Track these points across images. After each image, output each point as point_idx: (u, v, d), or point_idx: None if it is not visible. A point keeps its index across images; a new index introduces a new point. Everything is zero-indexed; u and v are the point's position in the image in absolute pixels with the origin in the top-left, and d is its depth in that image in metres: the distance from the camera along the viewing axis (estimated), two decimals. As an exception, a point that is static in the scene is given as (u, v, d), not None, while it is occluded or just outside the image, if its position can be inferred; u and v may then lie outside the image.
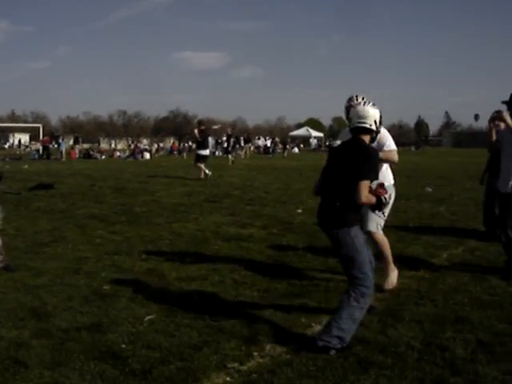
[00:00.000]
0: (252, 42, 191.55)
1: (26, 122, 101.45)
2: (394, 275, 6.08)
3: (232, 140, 35.55)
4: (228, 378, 3.90)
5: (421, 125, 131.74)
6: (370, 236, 5.75)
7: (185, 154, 46.78)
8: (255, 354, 4.30)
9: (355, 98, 5.74)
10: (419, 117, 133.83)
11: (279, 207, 12.91)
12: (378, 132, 4.71)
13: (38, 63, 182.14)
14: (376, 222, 5.89)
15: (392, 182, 6.14)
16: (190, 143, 51.06)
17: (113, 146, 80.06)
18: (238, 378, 3.90)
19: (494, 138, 7.07)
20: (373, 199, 4.47)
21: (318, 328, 4.78)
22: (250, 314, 5.21)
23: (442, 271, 6.78)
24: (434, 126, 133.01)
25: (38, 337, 4.63)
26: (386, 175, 6.04)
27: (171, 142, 68.25)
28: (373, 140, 4.73)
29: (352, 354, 4.26)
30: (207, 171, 20.37)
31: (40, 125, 51.83)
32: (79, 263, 7.23)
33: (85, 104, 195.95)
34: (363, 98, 5.70)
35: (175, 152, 52.24)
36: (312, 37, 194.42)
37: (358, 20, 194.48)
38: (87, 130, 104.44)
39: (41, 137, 45.97)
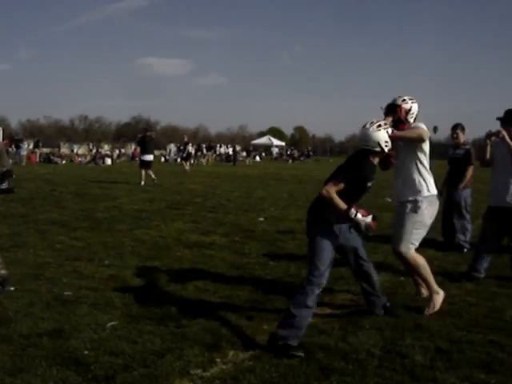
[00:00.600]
0: (216, 51, 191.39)
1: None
2: (437, 299, 5.63)
3: (191, 147, 35.38)
4: (191, 384, 3.91)
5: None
6: (400, 257, 5.74)
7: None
8: (218, 360, 4.31)
9: (369, 122, 4.99)
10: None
11: (241, 215, 12.96)
12: (384, 152, 4.90)
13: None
14: (408, 241, 5.55)
15: (432, 191, 5.67)
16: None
17: (75, 150, 79.04)
18: (201, 384, 3.91)
19: (489, 155, 7.00)
20: (339, 204, 4.59)
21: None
22: (213, 320, 5.22)
23: (401, 280, 6.90)
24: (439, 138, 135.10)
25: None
26: (420, 185, 5.60)
27: (132, 148, 67.61)
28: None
29: (314, 360, 4.32)
30: (153, 176, 21.28)
31: (0, 128, 50.73)
32: (40, 269, 7.15)
33: (45, 108, 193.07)
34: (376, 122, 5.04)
35: (136, 158, 51.81)
36: (276, 47, 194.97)
37: (320, 32, 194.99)
38: (48, 134, 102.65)
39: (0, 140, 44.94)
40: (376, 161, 4.96)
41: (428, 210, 5.55)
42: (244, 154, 57.97)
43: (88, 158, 47.15)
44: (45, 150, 53.61)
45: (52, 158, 42.09)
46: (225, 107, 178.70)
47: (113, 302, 5.72)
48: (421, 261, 5.61)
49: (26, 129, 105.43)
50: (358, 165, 4.87)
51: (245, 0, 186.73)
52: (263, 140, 78.84)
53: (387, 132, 4.86)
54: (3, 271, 6.14)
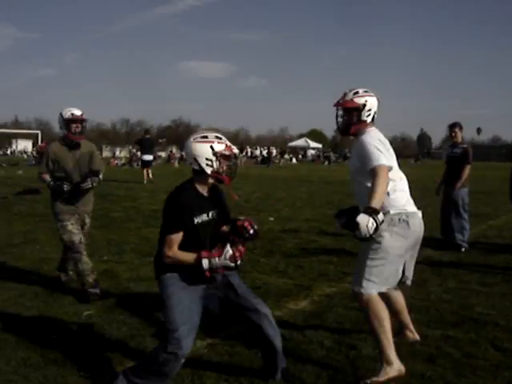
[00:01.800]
0: (257, 53, 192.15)
1: (29, 128, 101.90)
2: (388, 371, 4.06)
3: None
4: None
5: (423, 138, 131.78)
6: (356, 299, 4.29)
7: (176, 162, 47.13)
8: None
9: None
10: (421, 130, 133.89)
11: (254, 215, 13.21)
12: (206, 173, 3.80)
13: (43, 70, 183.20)
14: (361, 277, 4.11)
15: (405, 208, 4.24)
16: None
17: (116, 153, 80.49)
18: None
19: None
20: (188, 259, 3.74)
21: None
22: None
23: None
24: (437, 139, 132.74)
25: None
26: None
27: (172, 150, 68.61)
28: None
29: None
30: (150, 175, 23.37)
31: (38, 131, 52.25)
32: (41, 263, 7.61)
33: (88, 111, 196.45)
34: None
35: (172, 160, 52.69)
36: (317, 49, 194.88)
37: (362, 32, 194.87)
38: (90, 138, 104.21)
39: (39, 143, 46.32)
40: (207, 185, 3.88)
41: (394, 236, 4.10)
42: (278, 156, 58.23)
43: (123, 161, 48.06)
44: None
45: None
46: (266, 110, 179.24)
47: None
48: (380, 310, 4.10)
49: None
50: (172, 202, 3.80)
51: (285, 2, 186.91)
52: (300, 142, 78.99)
53: (213, 148, 3.75)
54: (91, 278, 6.05)
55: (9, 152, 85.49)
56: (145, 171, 23.36)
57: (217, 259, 3.64)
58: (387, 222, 3.99)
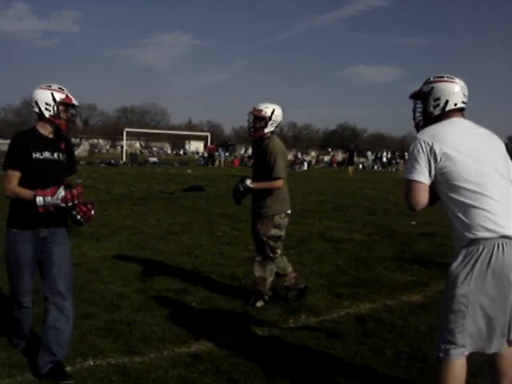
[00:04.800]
0: (426, 57, 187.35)
1: (201, 130, 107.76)
2: None
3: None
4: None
5: None
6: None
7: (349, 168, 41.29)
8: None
9: None
10: None
11: (397, 218, 13.60)
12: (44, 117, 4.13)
13: (216, 76, 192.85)
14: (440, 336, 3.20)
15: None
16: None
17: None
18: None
19: None
20: (23, 194, 3.99)
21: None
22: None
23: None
24: None
25: (137, 293, 6.10)
26: None
27: (333, 154, 69.54)
28: None
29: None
30: None
31: (208, 133, 55.50)
32: (194, 248, 8.76)
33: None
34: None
35: (334, 165, 53.41)
36: (490, 51, 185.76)
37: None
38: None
39: (209, 144, 49.39)
40: (48, 129, 4.15)
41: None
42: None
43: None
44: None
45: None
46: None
47: (236, 274, 7.07)
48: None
49: (239, 135, 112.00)
50: (11, 141, 4.18)
51: (452, 6, 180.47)
52: None
53: (53, 95, 4.07)
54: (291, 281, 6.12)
55: (181, 152, 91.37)
56: None
57: (49, 198, 3.89)
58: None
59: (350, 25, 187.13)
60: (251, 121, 5.92)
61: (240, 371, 4.15)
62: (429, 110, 3.42)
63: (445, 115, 3.35)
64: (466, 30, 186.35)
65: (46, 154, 4.09)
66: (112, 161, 40.13)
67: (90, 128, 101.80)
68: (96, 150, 76.63)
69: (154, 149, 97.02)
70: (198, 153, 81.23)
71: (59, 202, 3.91)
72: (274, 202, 5.80)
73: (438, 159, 3.12)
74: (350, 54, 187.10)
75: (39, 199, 3.89)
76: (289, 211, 5.96)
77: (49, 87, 4.11)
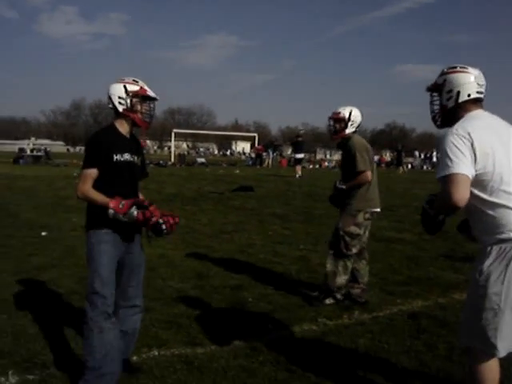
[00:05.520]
0: (474, 54, 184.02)
1: (248, 131, 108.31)
2: None
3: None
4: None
5: None
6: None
7: (402, 168, 41.59)
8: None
9: None
10: None
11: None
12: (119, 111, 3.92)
13: (262, 76, 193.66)
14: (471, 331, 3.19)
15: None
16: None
17: (328, 156, 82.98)
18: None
19: None
20: (98, 200, 3.76)
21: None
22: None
23: None
24: None
25: (195, 289, 6.35)
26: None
27: (381, 154, 69.01)
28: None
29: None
30: (299, 172, 28.24)
31: (255, 134, 55.73)
32: (247, 247, 8.99)
33: (304, 116, 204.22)
34: None
35: (382, 164, 53.03)
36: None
37: None
38: (305, 140, 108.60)
39: (256, 145, 49.68)
40: (126, 127, 3.97)
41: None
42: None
43: (333, 163, 49.61)
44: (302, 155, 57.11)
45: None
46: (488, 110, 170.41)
47: (289, 272, 7.25)
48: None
49: (285, 135, 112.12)
50: (90, 140, 3.92)
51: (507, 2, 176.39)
52: None
53: (126, 87, 3.88)
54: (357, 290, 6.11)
55: (228, 153, 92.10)
56: (297, 167, 29.08)
57: (120, 215, 3.68)
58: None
59: (398, 22, 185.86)
60: (332, 124, 6.05)
61: (297, 362, 4.33)
62: (443, 102, 3.31)
63: (460, 107, 3.23)
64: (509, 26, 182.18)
65: (127, 156, 3.89)
66: (161, 161, 40.73)
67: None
68: (144, 151, 77.82)
69: (201, 149, 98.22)
70: (244, 153, 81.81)
71: (127, 220, 3.71)
72: (358, 199, 5.89)
73: (478, 155, 2.95)
74: (398, 53, 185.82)
75: (111, 212, 3.68)
76: (377, 209, 6.05)
77: (122, 80, 3.91)
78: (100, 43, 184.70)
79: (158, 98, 3.96)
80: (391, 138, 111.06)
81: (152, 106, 3.97)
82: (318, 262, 7.96)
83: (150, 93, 3.92)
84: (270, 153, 43.34)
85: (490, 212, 3.04)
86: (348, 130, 5.95)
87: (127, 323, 4.04)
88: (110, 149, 3.79)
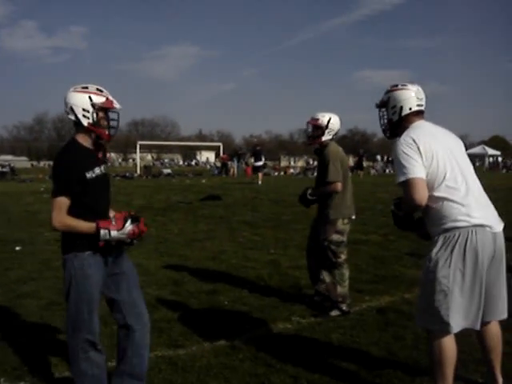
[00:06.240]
0: (433, 59, 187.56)
1: (212, 140, 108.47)
2: None
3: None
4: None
5: None
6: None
7: (363, 172, 42.54)
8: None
9: None
10: None
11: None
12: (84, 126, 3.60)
13: (224, 86, 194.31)
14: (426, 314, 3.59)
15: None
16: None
17: (292, 163, 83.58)
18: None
19: None
20: (82, 228, 3.49)
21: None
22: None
23: None
24: None
25: (172, 295, 6.58)
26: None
27: (348, 159, 69.70)
28: None
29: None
30: (260, 180, 29.93)
31: (220, 143, 56.17)
32: (219, 253, 9.26)
33: (266, 123, 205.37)
34: None
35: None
36: (497, 51, 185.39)
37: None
38: (269, 148, 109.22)
39: (221, 154, 49.96)
40: (89, 141, 3.64)
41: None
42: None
43: (298, 170, 50.13)
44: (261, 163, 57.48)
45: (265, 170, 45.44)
46: (445, 116, 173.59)
47: (261, 276, 7.51)
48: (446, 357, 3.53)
49: (249, 143, 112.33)
50: (57, 163, 3.60)
51: (459, 7, 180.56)
52: (477, 150, 76.09)
53: (91, 99, 3.54)
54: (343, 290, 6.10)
55: (193, 163, 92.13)
56: (259, 174, 30.97)
57: (115, 232, 3.46)
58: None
59: (356, 30, 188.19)
60: (309, 130, 6.13)
61: (275, 357, 4.61)
62: (389, 116, 3.87)
63: (404, 120, 3.77)
64: (469, 30, 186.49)
65: (97, 171, 3.61)
66: (127, 174, 40.72)
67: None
68: (109, 164, 77.36)
69: (166, 160, 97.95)
70: (209, 163, 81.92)
71: (125, 237, 3.51)
72: (336, 207, 5.92)
73: (424, 158, 3.47)
74: (357, 59, 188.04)
75: (104, 233, 3.43)
76: (353, 216, 6.14)
77: (85, 89, 3.56)
78: (61, 57, 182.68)
79: (121, 108, 3.69)
80: (354, 144, 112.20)
81: (115, 116, 3.70)
82: (288, 265, 8.28)
83: (116, 104, 3.64)
84: (235, 162, 43.66)
85: (435, 206, 3.50)
86: (325, 138, 6.01)
87: (144, 346, 3.84)
88: (80, 169, 3.50)
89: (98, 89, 3.60)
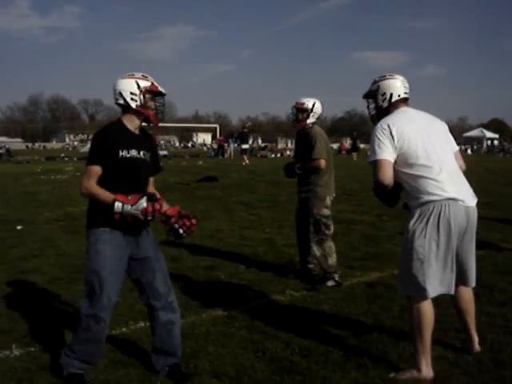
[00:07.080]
0: (433, 41, 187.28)
1: (208, 122, 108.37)
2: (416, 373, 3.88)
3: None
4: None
5: None
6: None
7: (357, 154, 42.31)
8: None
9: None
10: None
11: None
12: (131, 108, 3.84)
13: (221, 67, 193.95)
14: (405, 281, 3.94)
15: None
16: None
17: (289, 145, 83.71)
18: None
19: None
20: (102, 197, 3.68)
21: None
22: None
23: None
24: None
25: (170, 270, 6.81)
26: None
27: (347, 141, 69.62)
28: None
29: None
30: (247, 161, 31.55)
31: (217, 125, 56.32)
32: (216, 232, 9.58)
33: (265, 105, 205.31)
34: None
35: (343, 152, 53.49)
36: (497, 34, 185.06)
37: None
38: (266, 130, 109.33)
39: (217, 136, 50.08)
40: (135, 123, 3.89)
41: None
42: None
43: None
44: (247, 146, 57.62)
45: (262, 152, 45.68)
46: (443, 99, 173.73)
47: (257, 253, 7.81)
48: (424, 319, 3.85)
49: (245, 126, 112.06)
50: (95, 136, 3.90)
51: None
52: (475, 132, 76.32)
53: (138, 83, 3.80)
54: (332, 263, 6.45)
55: (190, 145, 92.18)
56: (244, 156, 32.65)
57: (129, 206, 3.58)
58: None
59: (355, 10, 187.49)
60: (295, 113, 6.53)
61: (269, 326, 4.92)
62: (379, 104, 4.20)
63: (392, 106, 4.11)
64: (469, 12, 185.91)
65: (133, 152, 3.79)
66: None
67: (97, 123, 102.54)
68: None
69: (162, 142, 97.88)
70: (205, 145, 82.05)
71: (138, 213, 3.59)
72: (325, 185, 6.42)
73: (396, 140, 3.82)
74: (356, 40, 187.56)
75: (118, 205, 3.58)
76: (334, 194, 6.66)
77: (132, 76, 3.82)
78: (56, 37, 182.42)
79: (166, 93, 3.94)
80: (351, 126, 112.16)
81: (162, 101, 3.95)
82: (283, 243, 8.59)
83: (161, 89, 3.89)
84: (232, 143, 43.92)
85: (412, 183, 3.87)
86: (309, 120, 6.45)
87: (174, 323, 4.09)
88: (115, 144, 3.71)
89: (143, 75, 3.86)
